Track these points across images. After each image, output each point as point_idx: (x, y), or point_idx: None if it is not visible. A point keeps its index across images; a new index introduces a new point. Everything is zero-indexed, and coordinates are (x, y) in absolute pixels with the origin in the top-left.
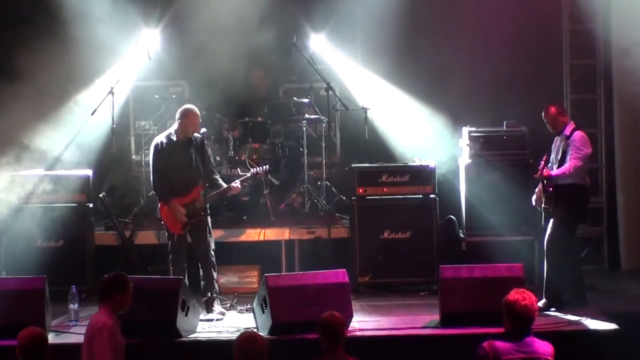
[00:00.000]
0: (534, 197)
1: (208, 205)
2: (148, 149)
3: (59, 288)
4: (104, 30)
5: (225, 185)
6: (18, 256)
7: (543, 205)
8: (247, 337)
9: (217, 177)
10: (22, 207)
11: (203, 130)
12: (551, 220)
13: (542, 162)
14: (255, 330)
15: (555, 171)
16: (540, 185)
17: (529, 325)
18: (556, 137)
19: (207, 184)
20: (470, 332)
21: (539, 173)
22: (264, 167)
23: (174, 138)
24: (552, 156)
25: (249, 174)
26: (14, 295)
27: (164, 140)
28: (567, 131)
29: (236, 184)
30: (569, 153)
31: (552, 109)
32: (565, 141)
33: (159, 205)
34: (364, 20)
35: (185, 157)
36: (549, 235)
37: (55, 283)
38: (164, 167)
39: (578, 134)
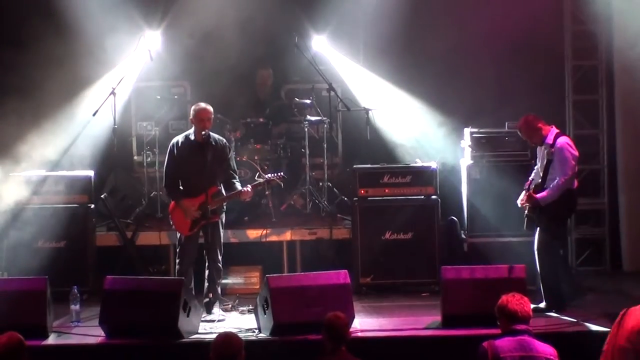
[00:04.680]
0: (519, 200)
1: (222, 208)
2: (150, 150)
3: (61, 289)
4: (106, 31)
5: (238, 189)
6: (20, 257)
7: (526, 212)
8: (223, 338)
9: (236, 181)
10: (24, 207)
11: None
12: (537, 228)
13: (527, 187)
14: (256, 330)
15: (541, 194)
16: (524, 193)
17: (523, 323)
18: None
19: (220, 187)
20: (472, 333)
21: (526, 199)
22: (279, 173)
23: (192, 138)
24: (537, 165)
25: (262, 180)
26: (16, 296)
27: (181, 140)
28: (550, 139)
29: (247, 188)
30: (555, 166)
31: (523, 127)
32: (549, 149)
33: (170, 204)
34: (366, 21)
35: (199, 158)
36: (538, 244)
37: (57, 284)
38: (176, 166)
39: (561, 141)
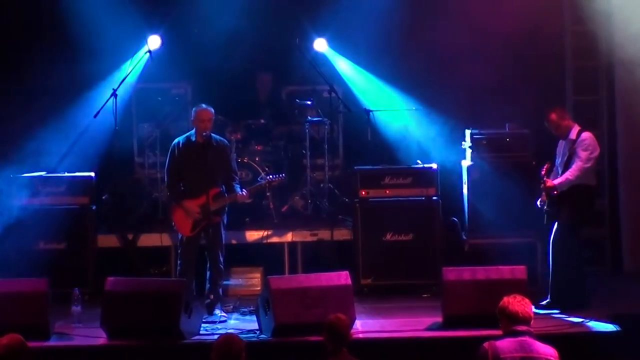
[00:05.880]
0: (539, 199)
1: (224, 210)
2: (151, 151)
3: (62, 290)
4: (107, 33)
5: (236, 192)
6: (21, 258)
7: (545, 207)
8: (224, 339)
9: (235, 183)
10: (25, 209)
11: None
12: (556, 223)
13: (543, 172)
14: (258, 331)
15: (558, 180)
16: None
17: (524, 324)
18: (561, 141)
19: (221, 189)
20: (473, 334)
21: (542, 185)
22: (281, 175)
23: (193, 139)
24: (557, 160)
25: (263, 182)
26: (17, 298)
27: (182, 141)
28: (573, 135)
29: (243, 192)
30: (576, 156)
31: (552, 116)
32: (572, 145)
33: (171, 205)
34: (367, 23)
35: (199, 159)
36: (554, 239)
37: (58, 285)
38: (177, 167)
39: (585, 134)
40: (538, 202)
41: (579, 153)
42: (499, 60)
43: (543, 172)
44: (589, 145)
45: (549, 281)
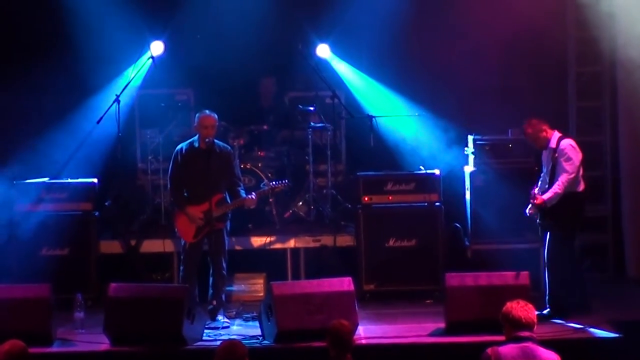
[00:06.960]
0: (527, 208)
1: (227, 216)
2: (154, 157)
3: (64, 296)
4: (110, 39)
5: (243, 197)
6: (24, 264)
7: (538, 220)
8: (227, 345)
9: (240, 189)
10: (28, 215)
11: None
12: (548, 233)
13: (533, 192)
14: (260, 337)
15: (547, 195)
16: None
17: (527, 329)
18: (543, 151)
19: (224, 195)
20: (476, 340)
21: (533, 200)
22: (284, 181)
23: (196, 145)
24: (544, 170)
25: (266, 188)
26: (20, 303)
27: (185, 147)
28: (553, 143)
29: (252, 195)
30: (558, 167)
31: (528, 130)
32: (553, 154)
33: (174, 212)
34: (369, 28)
35: (203, 165)
36: (548, 249)
37: (61, 291)
38: (180, 173)
39: (564, 143)
40: (527, 211)
41: (562, 165)
42: (502, 66)
43: (534, 192)
44: (570, 155)
45: (547, 292)
